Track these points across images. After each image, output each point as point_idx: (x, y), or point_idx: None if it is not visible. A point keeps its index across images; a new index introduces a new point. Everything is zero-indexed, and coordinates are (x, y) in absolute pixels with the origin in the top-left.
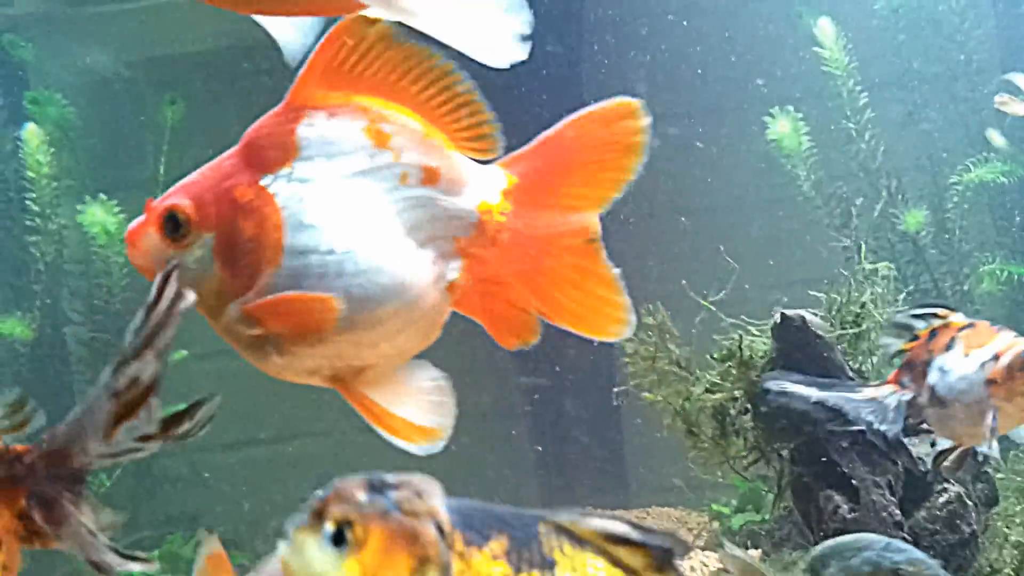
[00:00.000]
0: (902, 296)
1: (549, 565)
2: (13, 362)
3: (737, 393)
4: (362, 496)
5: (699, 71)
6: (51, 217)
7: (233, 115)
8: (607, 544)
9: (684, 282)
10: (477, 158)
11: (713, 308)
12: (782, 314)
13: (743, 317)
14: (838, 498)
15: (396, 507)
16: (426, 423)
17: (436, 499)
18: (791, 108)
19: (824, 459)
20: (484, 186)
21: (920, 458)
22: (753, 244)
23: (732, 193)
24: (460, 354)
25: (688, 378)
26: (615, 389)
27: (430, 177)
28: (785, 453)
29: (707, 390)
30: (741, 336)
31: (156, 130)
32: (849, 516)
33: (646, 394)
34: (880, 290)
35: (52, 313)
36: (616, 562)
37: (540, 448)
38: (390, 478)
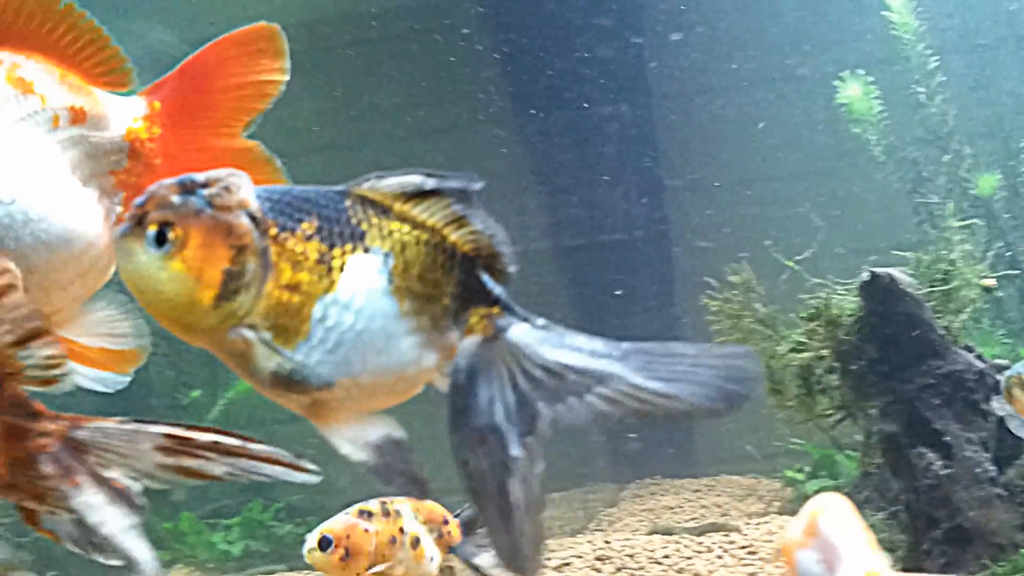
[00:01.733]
0: (991, 254)
1: (359, 235)
2: None
3: (824, 352)
4: (176, 198)
5: (767, 38)
6: None
7: (289, 92)
8: (407, 206)
9: (768, 242)
10: (116, 92)
11: (798, 267)
12: (871, 272)
13: (829, 277)
14: (931, 455)
15: (208, 203)
16: (123, 347)
17: (246, 191)
18: (862, 72)
19: (916, 416)
20: (128, 115)
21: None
22: (829, 210)
23: (802, 159)
24: None
25: (773, 336)
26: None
27: (77, 117)
28: (874, 411)
29: (793, 349)
30: (828, 295)
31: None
32: (943, 472)
33: None
34: (969, 248)
35: (119, 287)
36: (419, 224)
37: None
38: (200, 177)
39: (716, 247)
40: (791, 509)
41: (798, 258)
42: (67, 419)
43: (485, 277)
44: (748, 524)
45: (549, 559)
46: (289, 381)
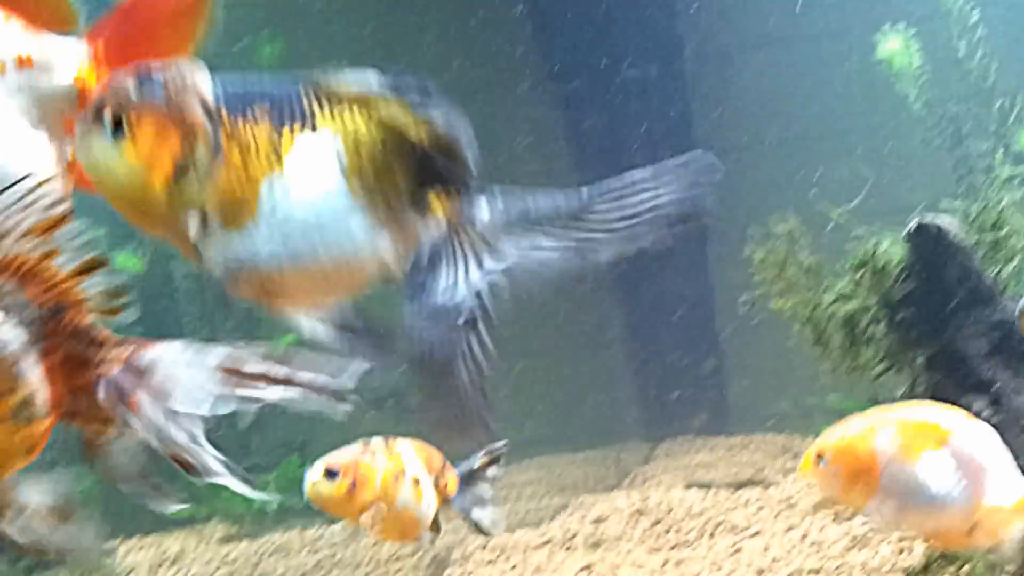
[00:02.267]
0: None
1: (310, 117)
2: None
3: (870, 302)
4: (132, 88)
5: None
6: None
7: (330, 53)
8: (362, 97)
9: (815, 191)
10: (60, 33)
11: (844, 217)
12: (918, 221)
13: (875, 226)
14: (979, 403)
15: (162, 93)
16: None
17: (201, 80)
18: (902, 26)
19: (963, 365)
20: (74, 59)
21: None
22: (871, 164)
23: (842, 115)
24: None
25: (818, 286)
26: (743, 299)
27: (24, 63)
28: (920, 361)
29: (837, 299)
30: (875, 244)
31: (255, 69)
32: (993, 420)
33: (774, 302)
34: (1019, 196)
35: (161, 248)
36: (373, 111)
37: (638, 377)
38: (155, 67)
39: (758, 204)
40: None
41: (844, 208)
42: (131, 343)
43: (441, 160)
44: (785, 479)
45: (587, 512)
46: (239, 264)
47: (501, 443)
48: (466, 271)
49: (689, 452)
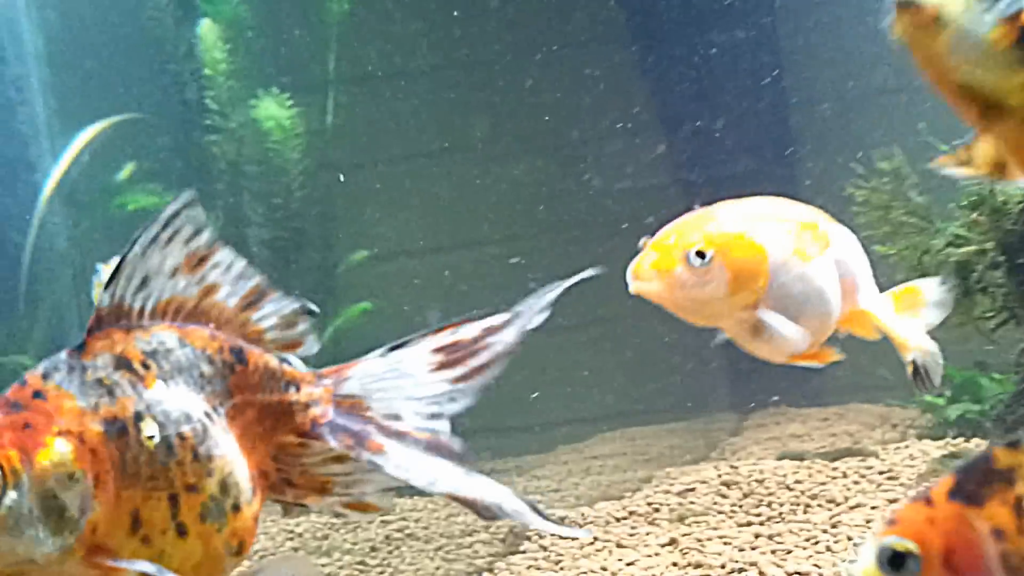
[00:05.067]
0: None
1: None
2: None
3: (987, 245)
4: None
5: None
6: (229, 116)
7: (397, 10)
8: None
9: (922, 125)
10: None
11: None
12: None
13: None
14: None
15: None
16: None
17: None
18: None
19: None
20: None
21: None
22: None
23: None
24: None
25: (928, 229)
26: None
27: None
28: None
29: (950, 243)
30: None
31: (323, 26)
32: None
33: (879, 247)
34: None
35: (235, 213)
36: None
37: (725, 344)
38: None
39: (861, 138)
40: (931, 434)
41: (958, 142)
42: (329, 374)
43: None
44: (885, 450)
45: (672, 484)
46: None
47: None
48: None
49: (780, 423)
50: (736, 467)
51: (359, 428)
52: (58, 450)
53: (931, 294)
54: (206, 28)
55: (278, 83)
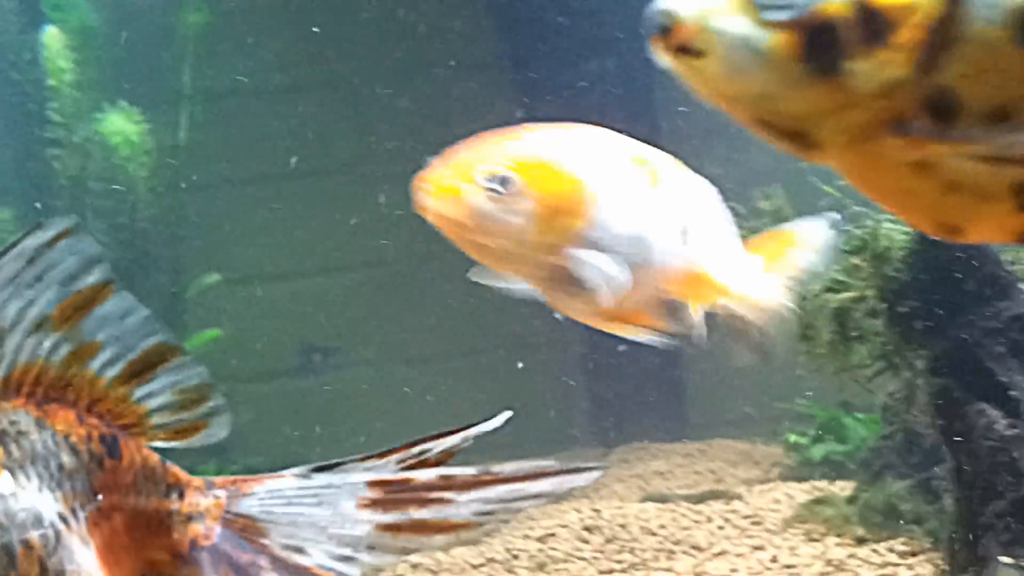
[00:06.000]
0: None
1: None
2: None
3: (867, 292)
4: None
5: None
6: (74, 129)
7: (258, 25)
8: None
9: (805, 164)
10: None
11: (838, 193)
12: None
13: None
14: (993, 412)
15: None
16: None
17: None
18: None
19: (975, 366)
20: None
21: None
22: None
23: None
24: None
25: (807, 273)
26: None
27: None
28: (922, 362)
29: (829, 288)
30: (876, 225)
31: (180, 39)
32: (1008, 433)
33: None
34: None
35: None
36: None
37: (590, 376)
38: None
39: (742, 178)
40: (795, 475)
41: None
42: (223, 485)
43: None
44: (750, 491)
45: (532, 528)
46: None
47: None
48: None
49: (643, 459)
50: (599, 510)
51: (247, 559)
52: None
53: (810, 237)
54: (51, 36)
55: (128, 96)
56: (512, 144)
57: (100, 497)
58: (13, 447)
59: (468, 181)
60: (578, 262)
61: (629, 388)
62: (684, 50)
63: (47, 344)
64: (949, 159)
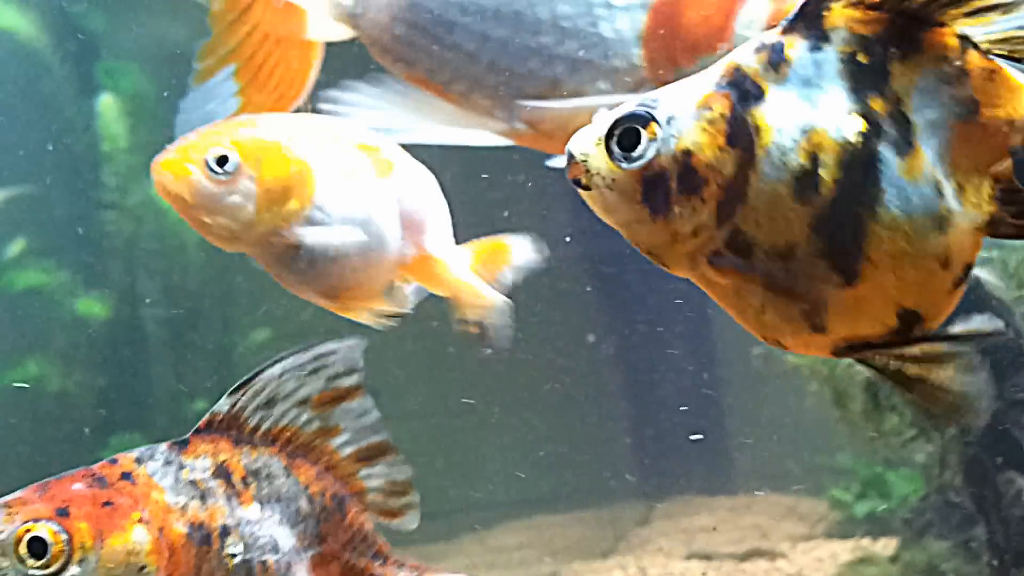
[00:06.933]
0: None
1: None
2: (90, 343)
3: None
4: None
5: None
6: (128, 192)
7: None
8: None
9: None
10: None
11: None
12: None
13: None
14: (1021, 481)
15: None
16: None
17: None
18: None
19: (1003, 437)
20: None
21: None
22: None
23: None
24: (552, 337)
25: None
26: (754, 351)
27: None
28: (951, 432)
29: (861, 360)
30: None
31: None
32: None
33: (789, 358)
34: None
35: (129, 292)
36: None
37: (634, 430)
38: None
39: None
40: (839, 532)
41: None
42: (414, 569)
43: None
44: (794, 548)
45: None
46: None
47: None
48: None
49: (688, 514)
50: (644, 568)
51: None
52: (135, 538)
53: (519, 253)
54: (106, 103)
55: None
56: (240, 128)
57: (324, 544)
58: (264, 484)
59: (193, 163)
60: (303, 236)
61: (671, 441)
62: (577, 183)
63: (304, 417)
64: (754, 288)
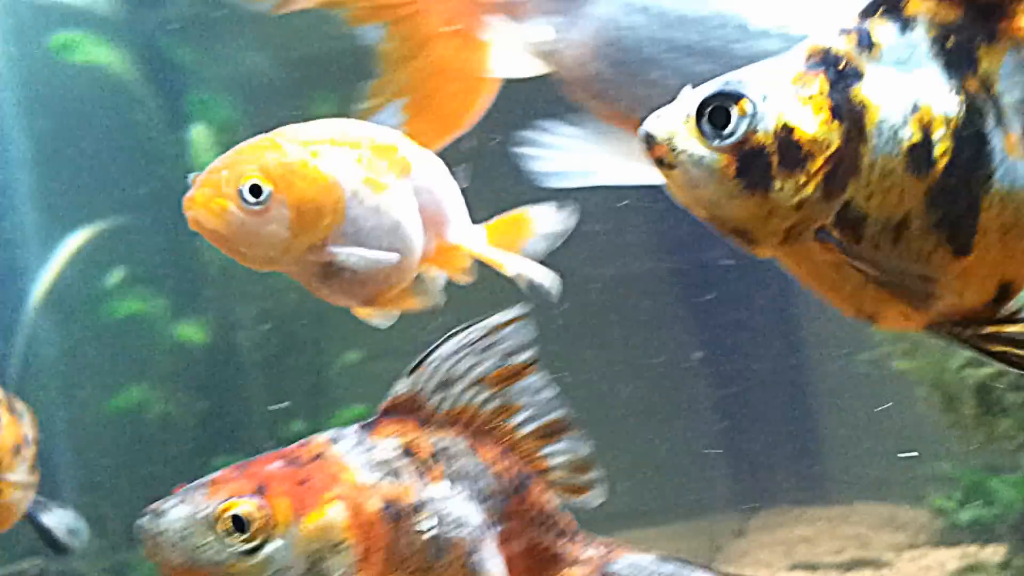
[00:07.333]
0: None
1: None
2: (189, 367)
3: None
4: None
5: None
6: None
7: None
8: None
9: None
10: None
11: None
12: None
13: None
14: None
15: None
16: None
17: None
18: None
19: None
20: None
21: None
22: None
23: None
24: (645, 349)
25: (946, 347)
26: (845, 352)
27: None
28: None
29: (969, 363)
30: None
31: None
32: None
33: (898, 363)
34: None
35: (226, 317)
36: None
37: (727, 438)
38: None
39: None
40: (944, 540)
41: None
42: (600, 543)
43: None
44: (899, 557)
45: None
46: None
47: None
48: None
49: (785, 524)
50: None
51: None
52: (331, 515)
53: (543, 221)
54: (198, 133)
55: None
56: (265, 153)
57: (509, 522)
58: (451, 463)
59: (227, 198)
60: (338, 262)
61: (764, 450)
62: (660, 163)
63: (482, 396)
64: (859, 262)
